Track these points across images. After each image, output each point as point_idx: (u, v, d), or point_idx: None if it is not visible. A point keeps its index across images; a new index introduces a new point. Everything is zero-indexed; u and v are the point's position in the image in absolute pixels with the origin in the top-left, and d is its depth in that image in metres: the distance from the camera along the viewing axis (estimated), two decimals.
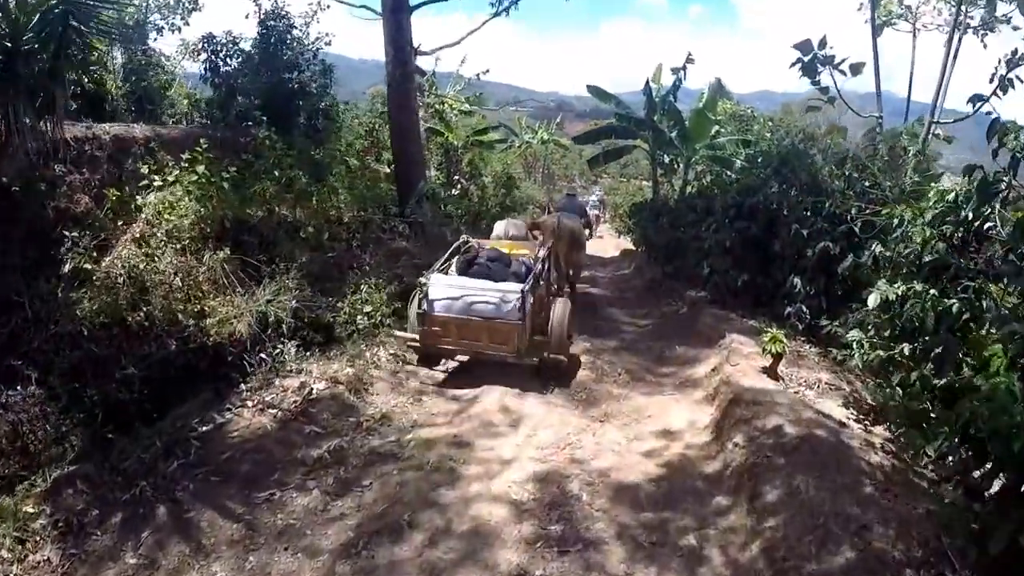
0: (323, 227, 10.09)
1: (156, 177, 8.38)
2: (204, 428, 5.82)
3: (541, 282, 7.84)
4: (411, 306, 7.70)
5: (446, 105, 21.88)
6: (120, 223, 7.92)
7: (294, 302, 7.87)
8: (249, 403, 6.23)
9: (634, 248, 19.10)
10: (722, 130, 17.77)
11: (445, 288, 7.15)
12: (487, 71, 22.53)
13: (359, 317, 8.46)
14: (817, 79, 8.64)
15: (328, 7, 13.63)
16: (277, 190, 9.67)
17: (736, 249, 9.88)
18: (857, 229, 7.41)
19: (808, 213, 8.46)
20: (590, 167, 20.75)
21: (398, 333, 7.89)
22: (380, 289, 9.00)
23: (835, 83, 9.04)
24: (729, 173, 14.11)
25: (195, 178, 8.44)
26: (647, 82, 17.50)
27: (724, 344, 8.09)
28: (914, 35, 15.49)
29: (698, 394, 7.29)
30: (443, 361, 7.89)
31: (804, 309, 8.19)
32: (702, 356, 8.35)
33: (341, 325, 8.32)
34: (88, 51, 8.29)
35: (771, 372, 6.75)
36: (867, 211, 6.85)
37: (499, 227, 10.28)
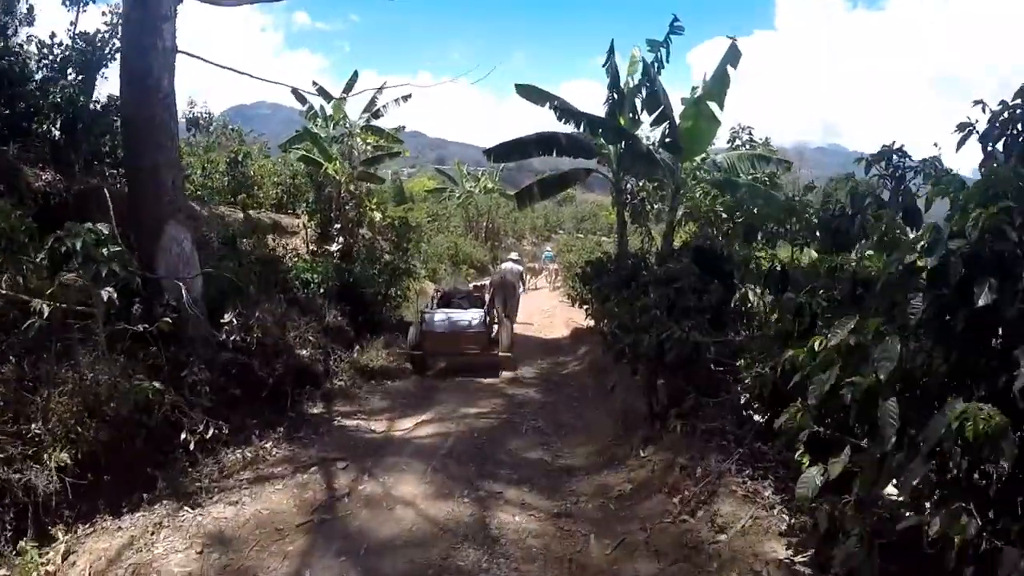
0: None
1: None
2: None
3: (490, 314, 11.39)
4: (411, 330, 10.83)
5: (334, 128, 15.86)
6: None
7: None
8: None
9: (591, 325, 12.88)
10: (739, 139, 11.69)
11: (437, 315, 10.87)
12: (403, 127, 18.28)
13: None
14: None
15: None
16: None
17: None
18: None
19: None
20: (519, 206, 13.95)
21: (401, 348, 10.82)
22: None
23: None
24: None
25: None
26: (608, 58, 10.82)
27: None
28: None
29: None
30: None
31: None
32: None
33: None
34: None
35: None
36: None
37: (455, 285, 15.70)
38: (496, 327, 11.22)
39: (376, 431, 7.44)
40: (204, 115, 17.42)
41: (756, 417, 4.83)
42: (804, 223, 5.25)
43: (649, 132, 11.03)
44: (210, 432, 6.31)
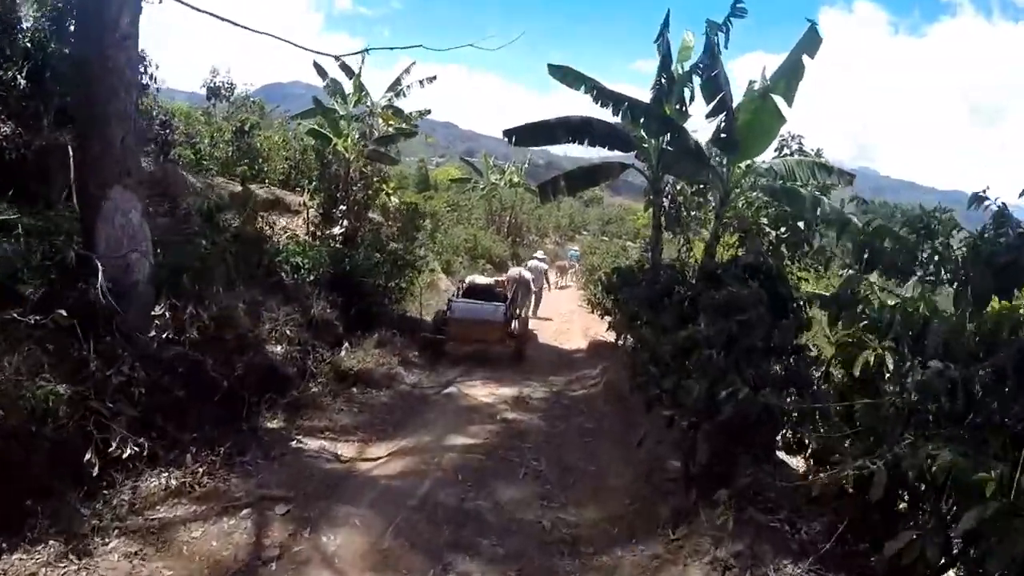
0: None
1: None
2: None
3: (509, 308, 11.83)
4: (435, 314, 11.81)
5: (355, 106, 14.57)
6: None
7: None
8: None
9: (613, 338, 11.41)
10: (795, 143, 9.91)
11: (463, 304, 11.39)
12: (429, 111, 16.38)
13: None
14: None
15: None
16: None
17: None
18: None
19: None
20: (541, 199, 12.26)
21: (425, 335, 11.17)
22: None
23: None
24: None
25: None
26: (660, 34, 9.21)
27: None
28: None
29: None
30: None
31: None
32: None
33: None
34: None
35: None
36: None
37: (476, 278, 14.37)
38: (515, 322, 11.90)
39: (341, 458, 6.08)
40: (226, 85, 16.28)
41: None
42: (941, 251, 3.71)
43: (695, 128, 9.47)
44: (127, 450, 5.04)
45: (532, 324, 14.10)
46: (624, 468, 5.89)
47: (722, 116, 8.37)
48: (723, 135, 8.47)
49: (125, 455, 5.01)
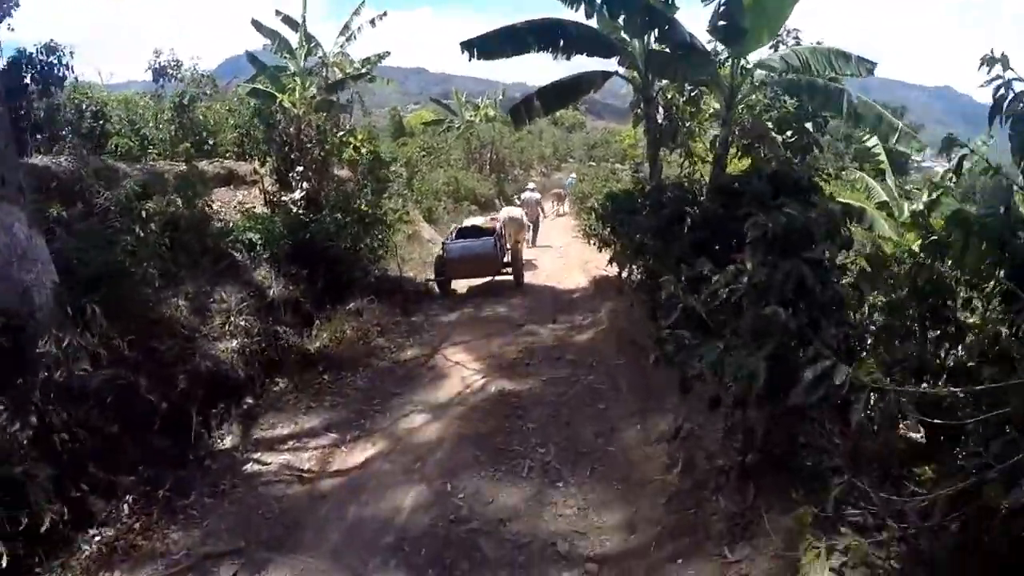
0: None
1: None
2: None
3: (500, 240, 12.50)
4: (435, 259, 12.44)
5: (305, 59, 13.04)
6: None
7: None
8: None
9: (616, 271, 10.13)
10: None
11: (455, 245, 11.91)
12: (388, 53, 14.85)
13: None
14: None
15: None
16: None
17: None
18: None
19: None
20: (515, 124, 10.62)
21: (426, 277, 12.22)
22: None
23: None
24: None
25: None
26: None
27: None
28: None
29: None
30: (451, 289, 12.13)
31: None
32: None
33: None
34: None
35: None
36: None
37: (466, 221, 14.87)
38: (507, 254, 12.69)
39: (304, 476, 4.97)
40: (172, 63, 14.74)
41: None
42: None
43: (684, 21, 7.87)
44: (45, 522, 3.98)
45: (532, 253, 15.45)
46: (652, 448, 4.76)
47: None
48: (723, 22, 6.95)
49: (44, 528, 3.96)
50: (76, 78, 10.88)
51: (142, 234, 6.98)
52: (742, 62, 7.84)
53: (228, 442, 5.53)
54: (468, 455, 4.94)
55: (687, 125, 10.86)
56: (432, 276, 12.20)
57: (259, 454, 5.33)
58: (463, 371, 7.11)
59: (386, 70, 15.75)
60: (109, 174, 9.50)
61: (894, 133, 8.18)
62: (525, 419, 5.58)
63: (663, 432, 4.93)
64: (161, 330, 6.33)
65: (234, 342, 7.00)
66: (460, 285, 12.43)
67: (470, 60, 7.95)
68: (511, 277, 12.20)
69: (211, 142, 14.38)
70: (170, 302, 6.79)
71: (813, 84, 7.40)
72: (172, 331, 6.43)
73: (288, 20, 13.40)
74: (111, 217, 7.48)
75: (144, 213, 7.17)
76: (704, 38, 7.78)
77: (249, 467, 5.12)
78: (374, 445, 5.36)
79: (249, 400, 6.15)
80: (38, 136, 10.05)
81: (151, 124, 13.66)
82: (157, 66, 14.19)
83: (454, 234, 13.07)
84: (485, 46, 7.97)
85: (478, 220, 14.56)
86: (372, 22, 14.03)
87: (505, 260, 12.32)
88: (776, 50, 8.48)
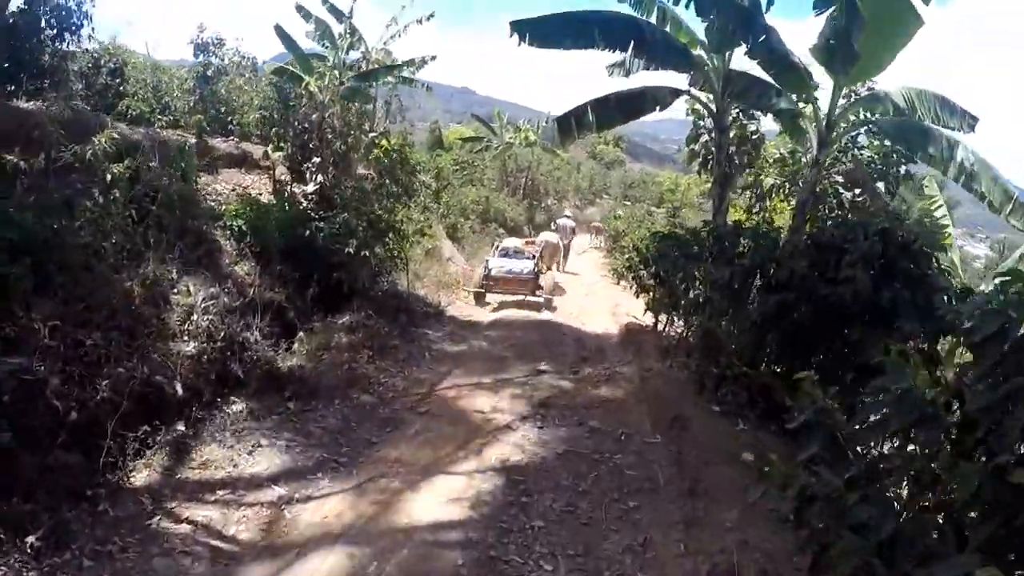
0: None
1: None
2: None
3: (538, 265, 14.25)
4: (477, 272, 14.06)
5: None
6: None
7: None
8: None
9: (651, 321, 8.74)
10: None
11: (498, 263, 13.78)
12: (434, 57, 13.88)
13: None
14: None
15: None
16: None
17: None
18: None
19: None
20: (561, 138, 9.20)
21: (468, 288, 13.64)
22: None
23: None
24: None
25: None
26: None
27: None
28: None
29: None
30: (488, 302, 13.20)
31: None
32: None
33: None
34: None
35: None
36: None
37: (507, 241, 16.55)
38: (542, 277, 13.96)
39: (224, 546, 3.65)
40: (215, 40, 14.12)
41: None
42: None
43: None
44: None
45: (560, 278, 16.32)
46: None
47: (834, 9, 5.49)
48: (832, 41, 5.61)
49: None
50: (93, 29, 10.05)
51: (101, 200, 5.80)
52: (843, 91, 6.48)
53: (142, 478, 4.22)
54: (446, 562, 3.58)
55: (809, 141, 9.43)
56: (472, 288, 13.72)
57: (175, 503, 4.01)
58: (460, 424, 5.76)
59: (432, 85, 15.24)
60: (88, 128, 8.35)
61: (1008, 203, 6.81)
62: (530, 511, 4.18)
63: (716, 561, 3.54)
64: (101, 318, 5.09)
65: (190, 345, 5.73)
66: (493, 298, 13.54)
67: (519, 44, 6.72)
68: (541, 300, 13.41)
69: (234, 121, 13.56)
70: (122, 286, 5.56)
71: (927, 131, 6.07)
72: (113, 321, 5.18)
73: (334, 10, 12.63)
74: (72, 176, 6.34)
75: (109, 177, 5.97)
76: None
77: (155, 522, 3.79)
78: (326, 517, 4.01)
79: (181, 427, 4.83)
80: (45, 82, 9.19)
81: (176, 93, 12.93)
82: (200, 41, 13.61)
83: (497, 252, 15.08)
84: (539, 31, 6.72)
85: (517, 242, 16.38)
86: (420, 21, 13.27)
87: (540, 283, 13.71)
88: (873, 85, 7.19)
